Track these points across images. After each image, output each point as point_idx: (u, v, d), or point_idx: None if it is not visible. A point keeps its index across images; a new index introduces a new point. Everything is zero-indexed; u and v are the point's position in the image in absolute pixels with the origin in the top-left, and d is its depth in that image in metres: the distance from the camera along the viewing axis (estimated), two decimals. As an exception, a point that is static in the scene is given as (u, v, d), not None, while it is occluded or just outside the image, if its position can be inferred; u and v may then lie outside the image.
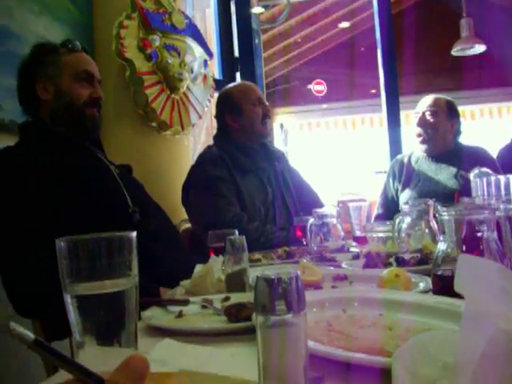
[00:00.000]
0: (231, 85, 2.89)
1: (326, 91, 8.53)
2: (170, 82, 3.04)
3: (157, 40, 2.95)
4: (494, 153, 3.16)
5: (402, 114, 4.80)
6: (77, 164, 1.85)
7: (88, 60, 2.03)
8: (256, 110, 2.68)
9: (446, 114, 3.09)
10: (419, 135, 3.08)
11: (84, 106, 1.94)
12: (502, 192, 1.46)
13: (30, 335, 0.44)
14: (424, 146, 3.09)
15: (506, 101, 8.85)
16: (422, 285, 1.17)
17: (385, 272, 1.19)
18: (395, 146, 4.49)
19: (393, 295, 1.01)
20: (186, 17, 3.25)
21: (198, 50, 3.25)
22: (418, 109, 3.13)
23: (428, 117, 3.06)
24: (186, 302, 1.19)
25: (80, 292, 0.72)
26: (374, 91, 7.49)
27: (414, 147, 3.23)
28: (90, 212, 1.74)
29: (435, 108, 3.07)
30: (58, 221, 1.62)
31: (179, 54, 3.07)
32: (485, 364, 0.47)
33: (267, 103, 2.80)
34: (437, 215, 1.10)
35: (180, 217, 2.82)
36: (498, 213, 1.01)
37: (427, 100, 3.12)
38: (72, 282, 0.73)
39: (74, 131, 1.93)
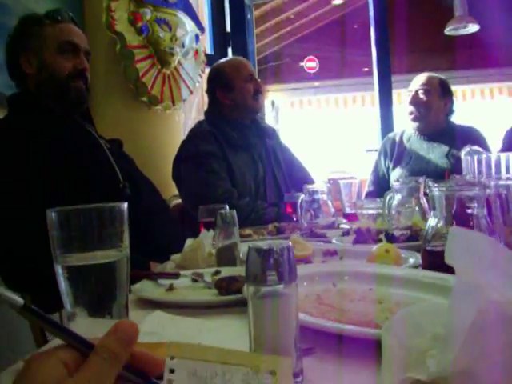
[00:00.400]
0: (223, 60, 2.86)
1: (318, 68, 8.48)
2: (161, 56, 3.01)
3: (148, 13, 2.92)
4: (485, 133, 3.16)
5: (394, 93, 4.79)
6: (65, 137, 1.83)
7: (73, 30, 1.96)
8: (248, 85, 2.66)
9: (439, 93, 3.09)
10: (411, 113, 3.08)
11: (68, 79, 1.90)
12: (493, 170, 1.47)
13: (20, 300, 0.44)
14: (416, 124, 3.09)
15: (498, 81, 8.85)
16: (411, 260, 1.18)
17: (375, 247, 1.20)
18: (387, 124, 4.49)
19: (383, 270, 1.02)
20: (178, -10, 3.21)
21: (189, 25, 3.22)
22: (410, 87, 3.12)
23: (421, 95, 3.06)
24: (176, 276, 1.19)
25: (71, 263, 0.72)
26: (366, 69, 7.46)
27: (405, 125, 3.23)
28: (80, 186, 1.73)
29: (428, 86, 3.07)
30: (47, 195, 1.61)
31: (170, 28, 3.04)
32: (474, 334, 0.47)
33: (259, 79, 2.78)
34: (428, 191, 1.10)
35: (170, 192, 2.81)
36: (488, 190, 1.01)
37: (420, 78, 3.12)
38: (63, 253, 0.72)
39: (60, 104, 1.90)
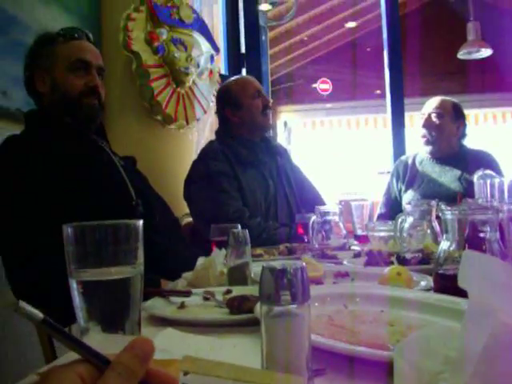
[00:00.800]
0: (230, 79, 2.89)
1: (331, 90, 8.52)
2: (176, 75, 3.04)
3: (164, 33, 2.96)
4: (498, 158, 3.15)
5: (407, 116, 4.80)
6: (79, 153, 1.85)
7: (85, 47, 1.96)
8: (255, 102, 2.67)
9: (452, 117, 3.09)
10: (424, 136, 3.08)
11: (81, 96, 1.90)
12: (506, 194, 1.47)
13: (39, 314, 0.45)
14: (428, 148, 3.09)
15: (510, 106, 8.84)
16: (423, 283, 1.17)
17: (386, 269, 1.20)
18: (399, 147, 4.49)
19: (394, 292, 1.02)
20: (194, 11, 3.25)
21: (204, 45, 3.25)
22: (423, 110, 3.13)
23: (434, 118, 3.07)
24: (188, 294, 1.20)
25: (85, 278, 0.73)
26: (378, 92, 7.48)
27: (418, 148, 3.24)
28: (93, 202, 1.74)
29: (441, 110, 3.07)
30: (60, 210, 1.62)
31: (186, 48, 3.07)
32: (487, 358, 0.48)
33: (271, 99, 2.80)
34: (440, 215, 1.11)
35: (182, 211, 2.82)
36: (501, 214, 1.01)
37: (433, 102, 3.13)
38: (78, 268, 0.73)
39: (73, 120, 1.92)
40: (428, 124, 3.07)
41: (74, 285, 0.74)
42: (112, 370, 0.44)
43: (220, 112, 2.77)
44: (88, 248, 0.73)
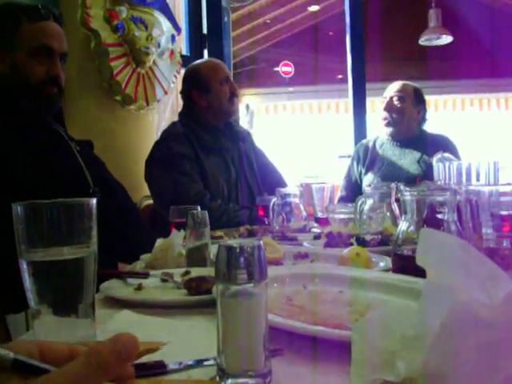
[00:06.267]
0: (199, 61, 2.85)
1: (293, 73, 8.52)
2: (136, 55, 2.98)
3: (124, 11, 2.89)
4: (456, 143, 3.22)
5: (368, 101, 4.83)
6: (34, 139, 1.78)
7: (50, 31, 1.86)
8: (224, 88, 2.65)
9: (413, 101, 3.16)
10: (385, 118, 3.12)
11: (41, 84, 1.82)
12: (463, 177, 1.49)
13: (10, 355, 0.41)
14: (389, 130, 3.13)
15: (469, 93, 9.00)
16: (382, 264, 1.18)
17: (346, 250, 1.20)
18: (360, 131, 4.51)
19: (353, 272, 1.02)
20: (155, -11, 3.18)
21: (165, 25, 3.20)
22: (385, 94, 3.17)
23: (395, 102, 3.11)
24: (145, 275, 1.18)
25: (36, 258, 0.71)
26: (340, 76, 7.52)
27: (379, 132, 3.27)
28: (48, 190, 1.68)
29: (403, 93, 3.12)
30: (14, 197, 1.56)
31: (146, 28, 3.01)
32: (444, 336, 0.47)
33: (234, 83, 2.77)
34: (399, 196, 1.11)
35: (142, 193, 2.79)
36: (458, 196, 1.02)
37: (395, 85, 3.17)
38: (28, 248, 0.71)
39: (31, 105, 1.84)
40: (389, 107, 3.11)
41: (24, 266, 0.71)
42: (85, 356, 0.41)
43: (186, 93, 2.72)
44: (39, 227, 0.71)
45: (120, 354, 0.42)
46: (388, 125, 3.12)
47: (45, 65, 1.83)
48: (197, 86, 2.66)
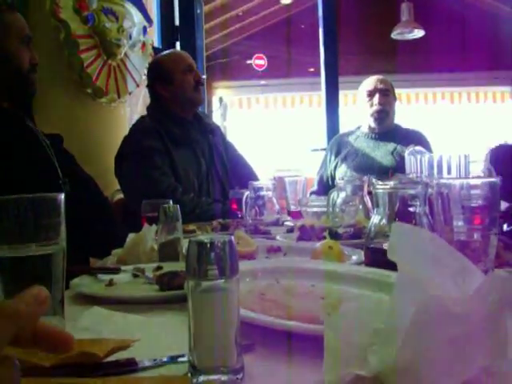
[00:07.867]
0: (161, 53, 2.85)
1: (266, 66, 8.50)
2: (107, 47, 2.93)
3: (94, 2, 2.84)
4: (429, 137, 3.26)
5: (341, 94, 4.84)
6: (2, 133, 1.75)
7: (23, 20, 1.88)
8: (187, 77, 2.63)
9: (393, 94, 3.22)
10: (380, 111, 3.12)
11: (28, 72, 1.84)
12: (435, 170, 1.50)
13: None
14: (381, 123, 3.14)
15: (441, 87, 9.10)
16: (354, 257, 1.19)
17: (318, 244, 1.21)
18: (333, 125, 4.53)
19: (326, 266, 1.02)
20: (126, -20, 3.13)
21: (137, 16, 3.16)
22: (367, 88, 3.17)
23: (385, 95, 3.14)
24: (116, 271, 1.16)
25: (2, 254, 0.69)
26: (312, 69, 7.52)
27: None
28: (17, 183, 1.65)
29: (388, 87, 3.19)
30: None
31: (117, 19, 2.97)
32: (415, 330, 0.47)
33: (204, 75, 2.75)
34: (371, 189, 1.12)
35: (114, 186, 2.75)
36: (430, 189, 1.03)
37: (381, 79, 3.19)
38: (-6, 245, 0.69)
39: (12, 96, 1.82)
40: (384, 100, 3.13)
41: (-11, 262, 0.69)
42: None
43: (151, 86, 2.72)
44: (5, 223, 0.69)
45: (28, 299, 0.43)
46: (382, 118, 3.13)
47: (28, 53, 1.85)
48: (159, 78, 2.65)
